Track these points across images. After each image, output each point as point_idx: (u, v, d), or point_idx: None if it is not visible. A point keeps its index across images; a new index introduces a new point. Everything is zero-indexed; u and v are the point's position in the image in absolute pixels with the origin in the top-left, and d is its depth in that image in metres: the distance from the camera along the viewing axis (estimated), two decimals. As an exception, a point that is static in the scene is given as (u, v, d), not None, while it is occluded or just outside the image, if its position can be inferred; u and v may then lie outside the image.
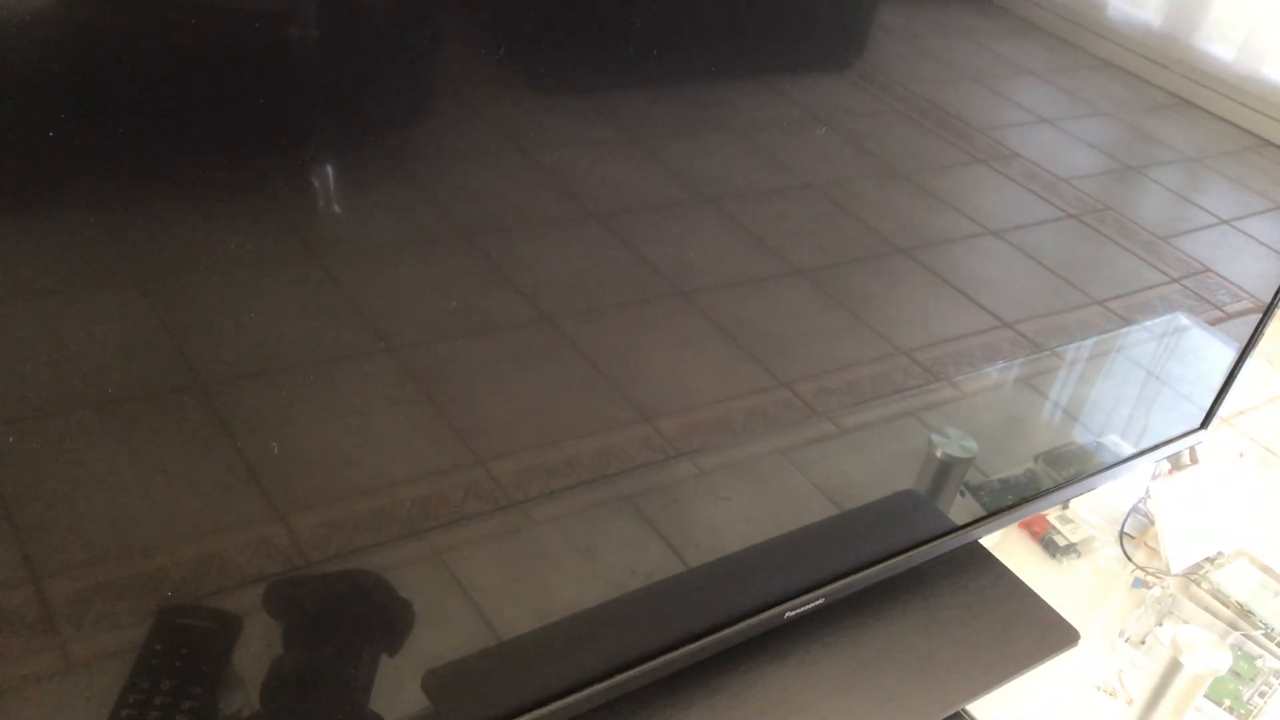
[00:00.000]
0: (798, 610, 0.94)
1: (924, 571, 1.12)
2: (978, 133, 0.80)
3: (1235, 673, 1.21)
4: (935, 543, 1.04)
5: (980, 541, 1.19)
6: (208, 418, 0.54)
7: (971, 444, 1.02)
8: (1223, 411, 1.31)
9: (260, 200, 0.51)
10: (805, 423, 0.85)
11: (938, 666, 1.03)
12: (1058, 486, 1.14)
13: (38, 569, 0.53)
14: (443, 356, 0.62)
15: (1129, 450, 1.22)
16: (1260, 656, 1.24)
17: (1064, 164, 0.89)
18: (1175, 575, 1.31)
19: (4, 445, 0.49)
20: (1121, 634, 1.24)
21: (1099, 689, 1.18)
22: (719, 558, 0.87)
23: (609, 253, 0.65)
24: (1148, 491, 1.38)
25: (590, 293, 0.66)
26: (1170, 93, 0.92)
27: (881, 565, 1.00)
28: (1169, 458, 1.37)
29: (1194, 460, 1.42)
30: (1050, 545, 1.35)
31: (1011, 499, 1.11)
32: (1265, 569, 1.35)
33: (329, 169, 0.52)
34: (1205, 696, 1.17)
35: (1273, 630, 1.26)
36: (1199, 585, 1.31)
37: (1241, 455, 1.58)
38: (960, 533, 1.06)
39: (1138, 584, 1.32)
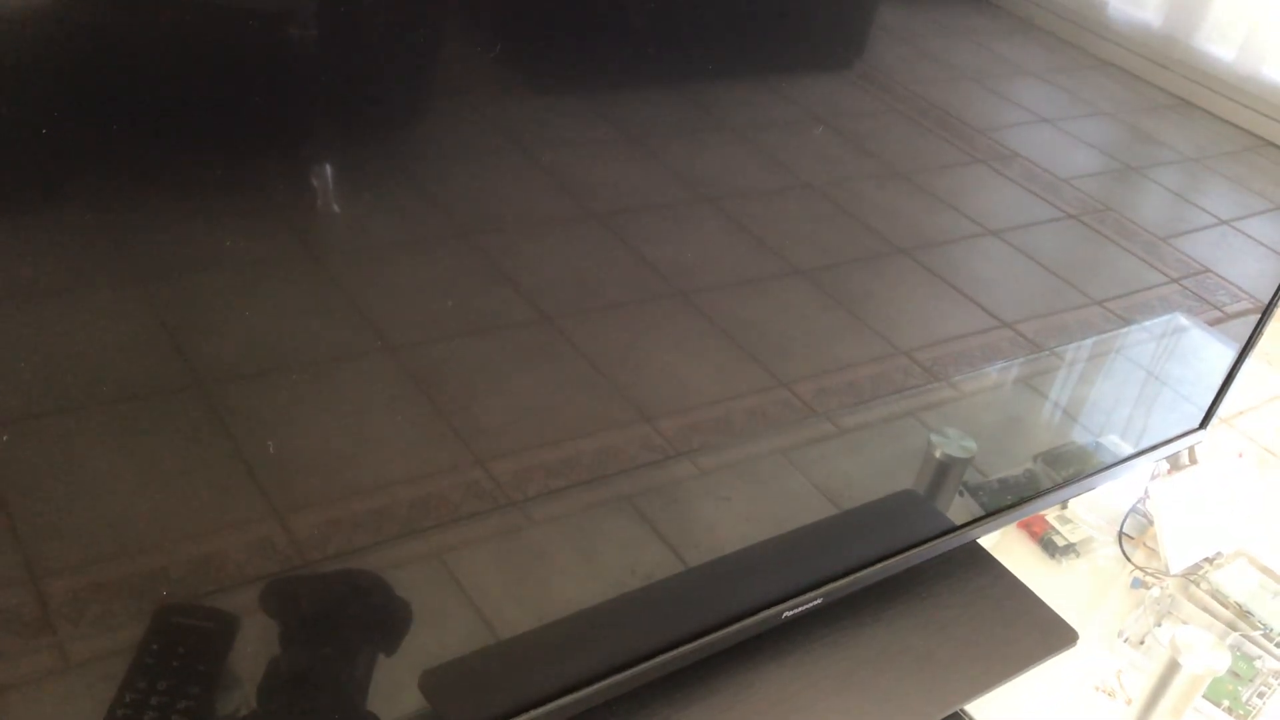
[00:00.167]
0: (796, 610, 0.94)
1: (923, 571, 1.12)
2: (978, 133, 0.80)
3: (1234, 673, 1.21)
4: (934, 543, 1.04)
5: (979, 541, 1.19)
6: (206, 417, 0.54)
7: (970, 444, 1.02)
8: (1222, 412, 1.31)
9: (260, 200, 0.51)
10: (805, 423, 0.85)
11: (936, 666, 1.03)
12: (1057, 486, 1.14)
13: (35, 568, 0.53)
14: (442, 356, 0.62)
15: (1128, 450, 1.22)
16: (1259, 657, 1.24)
17: (1064, 164, 0.89)
18: (1174, 575, 1.31)
19: (2, 444, 0.49)
20: (1120, 634, 1.24)
21: (1098, 689, 1.18)
22: (718, 557, 0.87)
23: (609, 252, 0.65)
24: (1147, 492, 1.38)
25: (590, 292, 0.66)
26: (1170, 93, 0.92)
27: (880, 565, 1.00)
28: (1168, 458, 1.37)
29: (1193, 460, 1.42)
30: (1049, 545, 1.34)
31: (1010, 499, 1.10)
32: (1264, 569, 1.35)
33: (329, 169, 0.52)
34: (1204, 697, 1.17)
35: (1272, 631, 1.26)
36: (1198, 586, 1.31)
37: (1240, 455, 1.58)
38: (959, 533, 1.06)
39: (1136, 584, 1.32)
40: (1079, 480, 1.16)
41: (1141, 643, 1.23)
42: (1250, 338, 1.22)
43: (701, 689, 0.95)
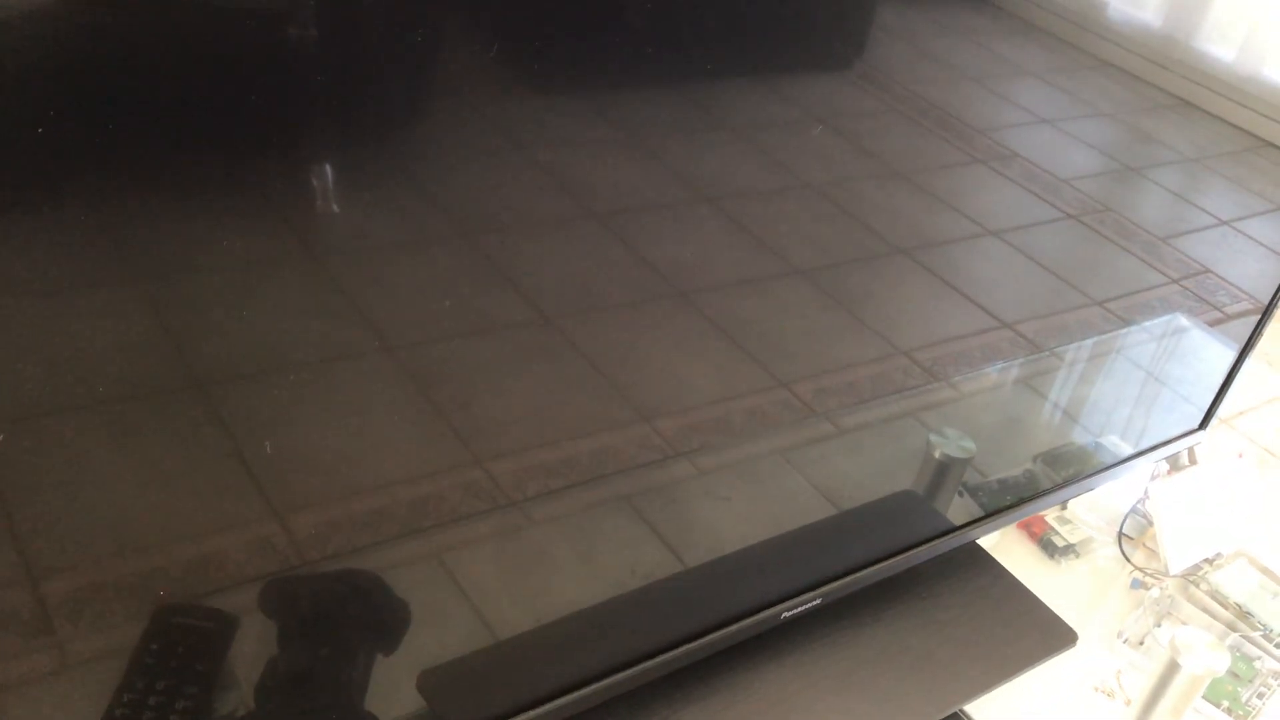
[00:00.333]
0: (795, 610, 0.94)
1: (922, 572, 1.12)
2: (978, 133, 0.80)
3: (1234, 674, 1.21)
4: (933, 543, 1.04)
5: (978, 542, 1.19)
6: (205, 417, 0.54)
7: (970, 444, 1.02)
8: (1222, 412, 1.31)
9: (259, 200, 0.51)
10: (804, 423, 0.85)
11: (936, 667, 1.03)
12: (1056, 487, 1.14)
13: (34, 568, 0.53)
14: (441, 356, 0.62)
15: (1128, 451, 1.22)
16: (1259, 658, 1.24)
17: (1064, 164, 0.89)
18: (1174, 576, 1.31)
19: (1, 444, 0.48)
20: (1120, 635, 1.24)
21: (1097, 690, 1.18)
22: (717, 558, 0.87)
23: (608, 252, 0.65)
24: (1146, 492, 1.38)
25: (589, 292, 0.66)
26: (1170, 93, 0.92)
27: (879, 565, 1.00)
28: (1168, 458, 1.37)
29: (1193, 461, 1.42)
30: (1049, 546, 1.34)
31: (1010, 499, 1.10)
32: (1264, 570, 1.35)
33: (329, 169, 0.52)
34: (1203, 698, 1.17)
35: (1271, 631, 1.26)
36: (1197, 586, 1.31)
37: (1240, 456, 1.58)
38: (958, 533, 1.06)
39: (1136, 585, 1.32)
40: (1078, 481, 1.16)
41: (1141, 643, 1.23)
42: (1250, 338, 1.22)
43: (701, 689, 0.95)
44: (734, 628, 0.90)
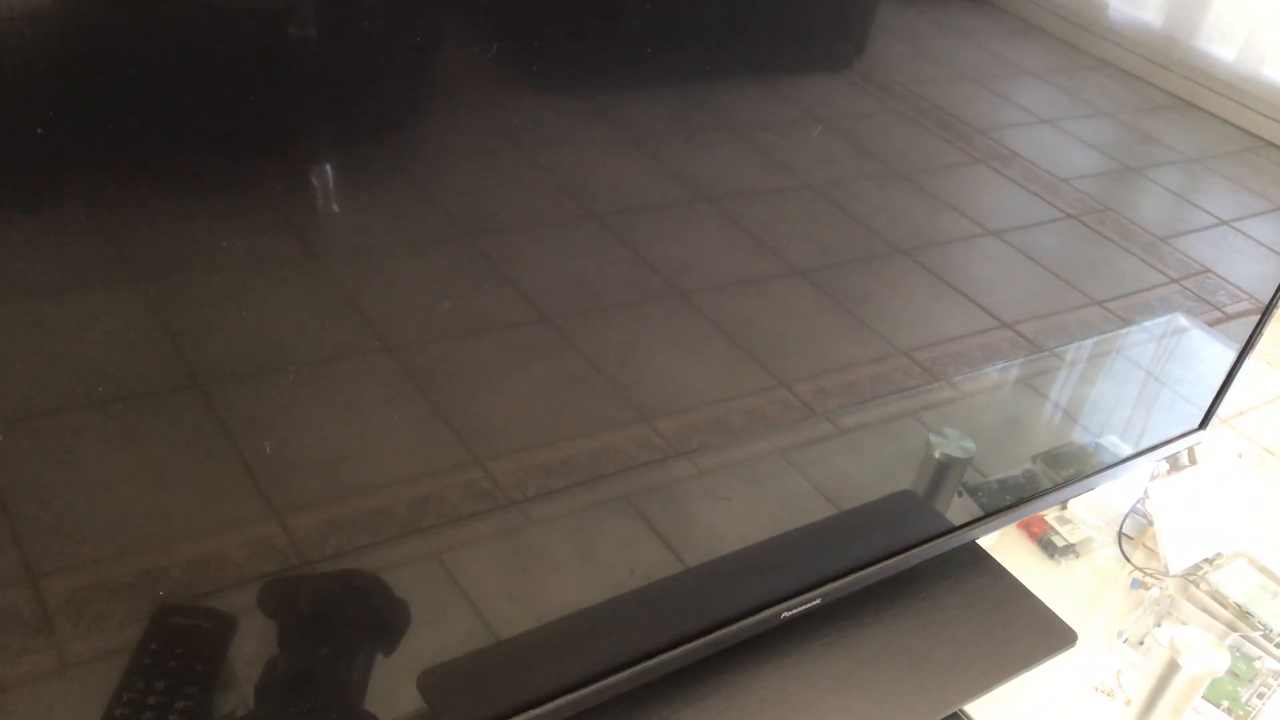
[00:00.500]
0: (795, 610, 0.94)
1: (922, 572, 1.12)
2: (978, 133, 0.80)
3: (1233, 674, 1.21)
4: (933, 543, 1.04)
5: (978, 542, 1.19)
6: (205, 417, 0.54)
7: (970, 444, 1.02)
8: (1221, 412, 1.31)
9: (259, 200, 0.50)
10: (804, 423, 0.85)
11: (935, 667, 1.03)
12: (1056, 487, 1.14)
13: (33, 568, 0.53)
14: (441, 356, 0.61)
15: (1127, 451, 1.22)
16: (1259, 658, 1.24)
17: (1064, 164, 0.89)
18: (1174, 576, 1.31)
19: (1, 444, 0.48)
20: (1120, 635, 1.24)
21: (1097, 690, 1.18)
22: (717, 558, 0.87)
23: (608, 252, 0.65)
24: (1146, 492, 1.38)
25: (589, 292, 0.66)
26: (1170, 93, 0.92)
27: (879, 566, 1.00)
28: (1167, 458, 1.37)
29: (1193, 461, 1.42)
30: (1048, 546, 1.34)
31: (1010, 499, 1.10)
32: (1264, 570, 1.35)
33: (329, 169, 0.52)
34: (1203, 698, 1.17)
35: (1271, 631, 1.26)
36: (1197, 586, 1.31)
37: (1240, 456, 1.58)
38: (958, 533, 1.06)
39: (1136, 585, 1.32)
40: (1078, 481, 1.16)
41: (1141, 643, 1.23)
42: (1250, 338, 1.22)
43: (700, 689, 0.95)
44: (734, 628, 0.90)
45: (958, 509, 1.06)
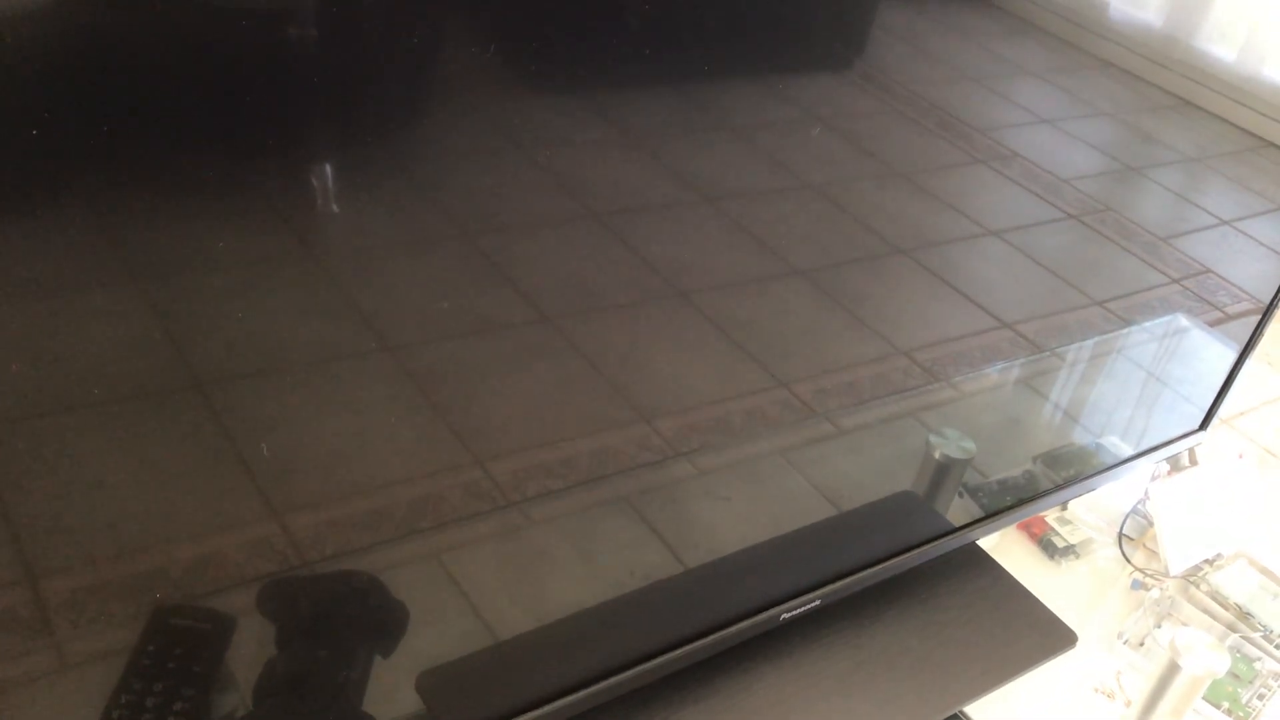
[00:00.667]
0: (795, 612, 0.94)
1: (922, 573, 1.12)
2: (978, 133, 0.80)
3: (1234, 675, 1.21)
4: (933, 544, 1.04)
5: (978, 543, 1.19)
6: (204, 417, 0.54)
7: (970, 445, 1.02)
8: (1222, 413, 1.31)
9: (260, 200, 0.50)
10: (804, 423, 0.85)
11: (935, 668, 1.03)
12: (1056, 488, 1.14)
13: (32, 568, 0.53)
14: (441, 356, 0.61)
15: (1128, 451, 1.22)
16: (1259, 659, 1.24)
17: (1064, 164, 0.89)
18: (1174, 577, 1.31)
19: (1, 444, 0.48)
20: (1120, 636, 1.24)
21: (1097, 691, 1.18)
22: (717, 559, 0.87)
23: (608, 252, 0.65)
24: (1146, 493, 1.38)
25: (589, 292, 0.66)
26: (1170, 93, 0.92)
27: (879, 567, 1.00)
28: (1168, 459, 1.36)
29: (1193, 462, 1.42)
30: (1049, 547, 1.34)
31: (1010, 500, 1.10)
32: (1264, 571, 1.35)
33: (329, 169, 0.52)
34: (1204, 699, 1.17)
35: (1271, 632, 1.26)
36: (1198, 587, 1.31)
37: (1241, 457, 1.58)
38: (958, 534, 1.06)
39: (1136, 585, 1.32)
40: (1079, 481, 1.16)
41: (1141, 644, 1.23)
42: (1251, 339, 1.22)
43: (700, 690, 0.95)
44: (734, 629, 0.90)
45: (958, 510, 1.06)
